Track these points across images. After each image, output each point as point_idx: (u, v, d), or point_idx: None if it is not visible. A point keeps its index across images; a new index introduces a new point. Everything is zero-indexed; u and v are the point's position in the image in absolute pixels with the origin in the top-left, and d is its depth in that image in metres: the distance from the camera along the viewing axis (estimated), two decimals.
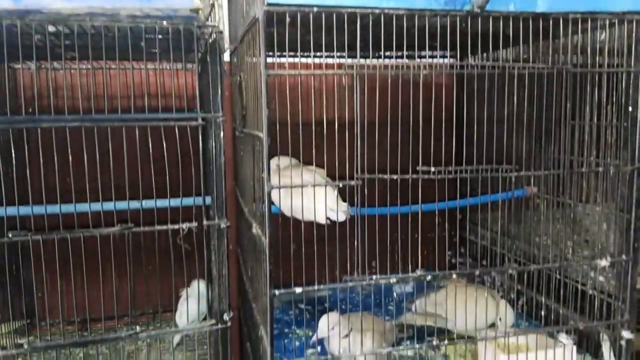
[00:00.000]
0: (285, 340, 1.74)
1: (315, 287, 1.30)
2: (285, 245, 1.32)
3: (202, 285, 1.59)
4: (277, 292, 1.27)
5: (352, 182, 1.28)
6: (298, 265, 1.28)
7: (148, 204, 1.38)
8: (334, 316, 1.51)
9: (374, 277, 1.32)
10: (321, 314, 1.67)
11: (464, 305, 1.59)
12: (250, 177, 1.45)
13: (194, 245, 1.28)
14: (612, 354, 1.53)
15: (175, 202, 1.41)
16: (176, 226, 1.24)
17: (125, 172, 1.23)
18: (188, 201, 1.29)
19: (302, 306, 1.97)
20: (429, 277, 1.36)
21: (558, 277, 1.61)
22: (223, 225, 1.28)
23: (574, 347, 1.47)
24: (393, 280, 1.34)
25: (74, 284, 1.27)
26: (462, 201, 1.87)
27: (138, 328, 1.23)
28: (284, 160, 1.63)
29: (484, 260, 2.00)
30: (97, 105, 1.31)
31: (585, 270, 1.65)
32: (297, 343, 1.73)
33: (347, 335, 1.46)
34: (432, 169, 1.29)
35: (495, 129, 1.45)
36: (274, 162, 1.64)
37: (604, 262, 1.48)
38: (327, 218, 1.55)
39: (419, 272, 1.34)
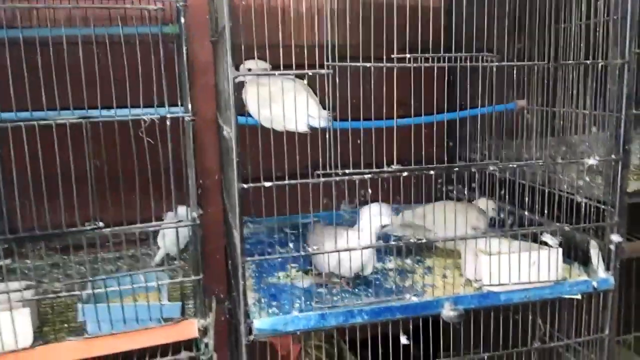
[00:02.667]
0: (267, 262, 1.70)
1: (286, 181, 1.26)
2: (254, 145, 1.28)
3: (183, 210, 1.55)
4: (244, 185, 1.23)
5: (323, 71, 1.23)
6: (267, 166, 1.24)
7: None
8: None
9: (347, 171, 1.27)
10: (305, 236, 1.65)
11: (449, 217, 1.54)
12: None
13: (158, 140, 1.23)
14: (600, 260, 1.48)
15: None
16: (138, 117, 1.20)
17: None
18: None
19: (287, 230, 1.93)
20: (405, 173, 1.31)
21: (546, 189, 1.55)
22: (188, 118, 1.23)
23: (560, 250, 1.41)
24: (367, 176, 1.30)
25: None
26: (451, 114, 1.80)
27: (101, 223, 1.20)
28: (251, 64, 1.56)
29: (473, 183, 1.95)
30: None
31: (572, 180, 1.58)
32: (280, 260, 1.70)
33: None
34: (408, 55, 1.23)
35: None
36: (243, 67, 1.57)
37: (591, 161, 1.42)
38: (309, 126, 1.50)
39: (394, 166, 1.29)
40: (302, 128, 1.48)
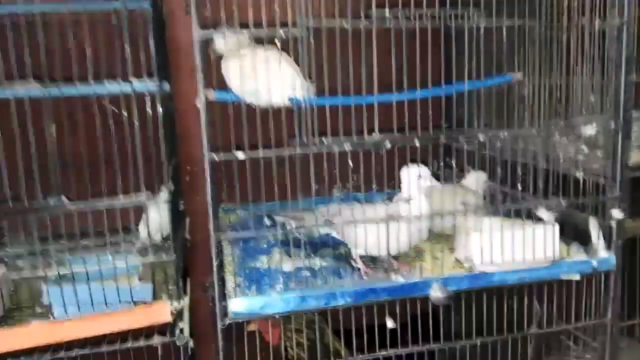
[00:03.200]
0: (252, 244, 1.63)
1: (260, 152, 1.18)
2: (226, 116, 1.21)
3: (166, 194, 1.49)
4: (215, 155, 1.16)
5: (296, 31, 1.15)
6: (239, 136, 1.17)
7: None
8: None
9: (324, 139, 1.20)
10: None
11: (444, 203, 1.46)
12: None
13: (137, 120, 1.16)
14: (601, 238, 1.38)
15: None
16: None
17: None
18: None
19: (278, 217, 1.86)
20: (388, 145, 1.23)
21: (543, 166, 1.46)
22: (154, 89, 1.16)
23: (557, 227, 1.32)
24: (348, 147, 1.22)
25: None
26: (436, 89, 1.69)
27: (65, 199, 1.14)
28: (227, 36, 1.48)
29: (470, 165, 1.86)
30: None
31: (570, 155, 1.48)
32: (265, 245, 1.63)
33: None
34: (387, 11, 1.15)
35: None
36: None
37: (589, 130, 1.33)
38: (290, 98, 1.42)
39: (375, 135, 1.21)
40: (283, 99, 1.41)
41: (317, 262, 1.44)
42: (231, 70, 1.44)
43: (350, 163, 1.23)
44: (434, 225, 1.55)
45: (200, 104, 1.12)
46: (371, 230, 1.29)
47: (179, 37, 1.84)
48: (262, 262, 1.50)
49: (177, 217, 1.65)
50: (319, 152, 1.22)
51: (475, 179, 1.64)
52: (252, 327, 1.65)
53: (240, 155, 1.17)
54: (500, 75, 1.65)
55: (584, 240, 1.42)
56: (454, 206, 1.41)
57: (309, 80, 1.40)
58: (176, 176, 1.76)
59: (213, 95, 1.39)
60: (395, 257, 1.41)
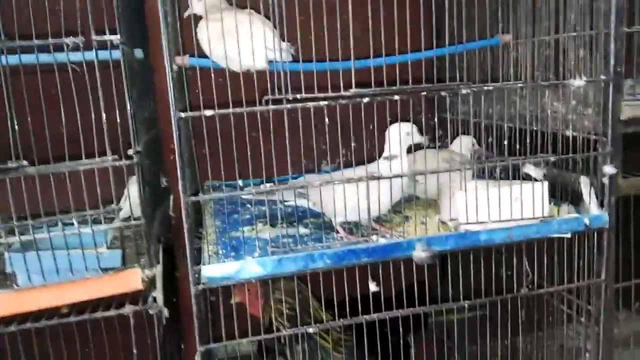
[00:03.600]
0: (235, 216, 1.58)
1: (230, 109, 1.12)
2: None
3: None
4: (182, 114, 1.10)
5: None
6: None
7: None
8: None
9: (298, 95, 1.14)
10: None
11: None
12: None
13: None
14: (593, 196, 1.33)
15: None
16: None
17: None
18: None
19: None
20: (366, 99, 1.17)
21: (531, 127, 1.39)
22: (116, 42, 1.09)
23: (545, 184, 1.27)
24: (323, 102, 1.16)
25: None
26: (438, 50, 1.63)
27: (26, 162, 1.08)
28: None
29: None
30: None
31: (560, 115, 1.42)
32: (248, 216, 1.57)
33: None
34: None
35: None
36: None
37: (578, 82, 1.27)
38: (269, 61, 1.36)
39: (352, 90, 1.15)
40: (261, 64, 1.35)
41: (299, 230, 1.38)
42: (201, 35, 1.38)
43: (327, 120, 1.17)
44: (419, 192, 1.50)
45: (166, 58, 1.06)
46: (350, 193, 1.23)
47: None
48: (244, 232, 1.45)
49: (158, 191, 1.60)
50: (293, 109, 1.16)
51: (462, 144, 1.58)
52: (237, 298, 1.60)
53: (208, 112, 1.11)
54: (487, 38, 1.59)
55: (575, 202, 1.36)
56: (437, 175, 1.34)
57: (287, 43, 1.34)
58: (156, 149, 1.70)
59: (187, 61, 1.34)
60: (378, 222, 1.36)
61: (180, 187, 1.11)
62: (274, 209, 1.55)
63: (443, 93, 1.19)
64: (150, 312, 1.19)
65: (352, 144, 1.20)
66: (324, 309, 1.51)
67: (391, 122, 1.32)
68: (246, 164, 1.15)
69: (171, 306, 1.37)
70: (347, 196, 1.22)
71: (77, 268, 1.12)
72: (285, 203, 1.52)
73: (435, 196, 1.45)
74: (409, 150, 1.35)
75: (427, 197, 1.51)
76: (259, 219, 1.50)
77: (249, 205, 1.66)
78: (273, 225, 1.42)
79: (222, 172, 1.29)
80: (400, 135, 1.28)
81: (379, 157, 1.34)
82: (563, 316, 1.48)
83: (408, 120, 1.34)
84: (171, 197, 1.74)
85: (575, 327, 1.49)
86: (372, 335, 1.29)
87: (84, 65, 1.11)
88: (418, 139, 1.33)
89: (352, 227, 1.35)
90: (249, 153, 1.13)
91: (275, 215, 1.48)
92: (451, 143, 1.69)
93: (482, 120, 1.63)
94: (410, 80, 1.22)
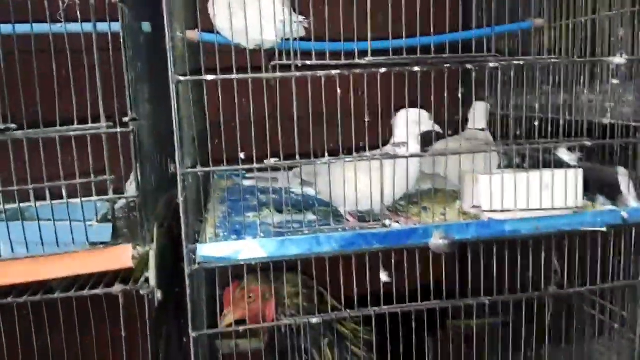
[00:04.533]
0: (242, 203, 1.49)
1: (234, 75, 1.03)
2: None
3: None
4: (181, 78, 1.01)
5: None
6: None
7: None
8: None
9: (308, 62, 1.04)
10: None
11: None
12: None
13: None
14: (631, 188, 1.20)
15: None
16: None
17: None
18: None
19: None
20: (383, 69, 1.07)
21: (567, 118, 1.27)
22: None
23: (580, 171, 1.14)
24: (335, 71, 1.06)
25: None
26: (465, 33, 1.52)
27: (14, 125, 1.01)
28: None
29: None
30: None
31: (598, 102, 1.30)
32: (255, 203, 1.47)
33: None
34: None
35: None
36: None
37: (617, 59, 1.15)
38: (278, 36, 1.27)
39: (368, 58, 1.05)
40: (271, 36, 1.25)
41: (306, 217, 1.28)
42: (215, 8, 1.30)
43: (339, 91, 1.07)
44: (438, 183, 1.38)
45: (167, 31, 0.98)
46: (360, 181, 1.13)
47: None
48: (249, 217, 1.36)
49: (166, 177, 1.51)
50: (303, 77, 1.06)
51: (479, 111, 1.46)
52: (236, 315, 1.39)
53: (209, 77, 1.02)
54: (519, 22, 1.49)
55: (611, 196, 1.23)
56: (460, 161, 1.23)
57: (301, 18, 1.25)
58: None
59: (196, 35, 1.26)
60: (392, 211, 1.25)
61: (177, 157, 1.02)
62: (279, 198, 1.45)
63: (469, 66, 1.08)
64: (142, 292, 1.10)
65: (366, 120, 1.10)
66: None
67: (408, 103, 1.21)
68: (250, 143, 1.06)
69: (175, 295, 1.29)
70: (355, 181, 1.12)
71: (64, 241, 1.04)
72: (291, 190, 1.42)
73: (456, 187, 1.34)
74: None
75: (447, 190, 1.39)
76: (265, 205, 1.41)
77: (257, 194, 1.56)
78: (279, 211, 1.33)
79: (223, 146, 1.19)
80: (408, 120, 1.17)
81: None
82: (594, 323, 1.35)
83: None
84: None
85: (606, 337, 1.35)
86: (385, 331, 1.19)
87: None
88: (428, 126, 1.22)
89: (365, 215, 1.24)
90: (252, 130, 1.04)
91: (281, 202, 1.38)
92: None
93: (509, 112, 1.51)
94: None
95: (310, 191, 1.34)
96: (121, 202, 1.32)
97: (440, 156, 1.25)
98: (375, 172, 1.13)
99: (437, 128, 1.22)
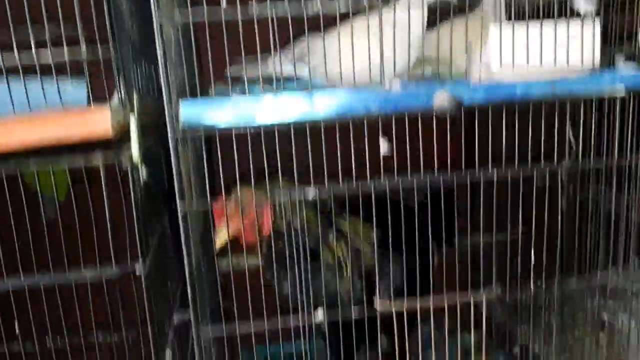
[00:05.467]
0: None
1: None
2: None
3: None
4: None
5: None
6: None
7: None
8: None
9: None
10: None
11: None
12: None
13: None
14: None
15: None
16: None
17: None
18: None
19: None
20: None
21: None
22: None
23: (598, 24, 1.04)
24: None
25: None
26: None
27: None
28: None
29: None
30: None
31: None
32: None
33: None
34: None
35: None
36: None
37: None
38: None
39: None
40: None
41: None
42: None
43: None
44: (445, 65, 1.27)
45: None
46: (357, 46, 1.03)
47: None
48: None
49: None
50: None
51: None
52: (231, 231, 1.26)
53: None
54: None
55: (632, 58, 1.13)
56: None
57: None
58: None
59: None
60: None
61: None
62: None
63: None
64: (124, 164, 1.01)
65: None
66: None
67: None
68: None
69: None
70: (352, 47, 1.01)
71: (35, 102, 0.95)
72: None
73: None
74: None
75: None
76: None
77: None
78: None
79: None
80: None
81: None
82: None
83: None
84: None
85: None
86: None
87: None
88: None
89: None
90: None
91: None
92: None
93: None
94: None
95: (304, 72, 1.24)
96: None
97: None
98: (374, 37, 1.03)
99: None
